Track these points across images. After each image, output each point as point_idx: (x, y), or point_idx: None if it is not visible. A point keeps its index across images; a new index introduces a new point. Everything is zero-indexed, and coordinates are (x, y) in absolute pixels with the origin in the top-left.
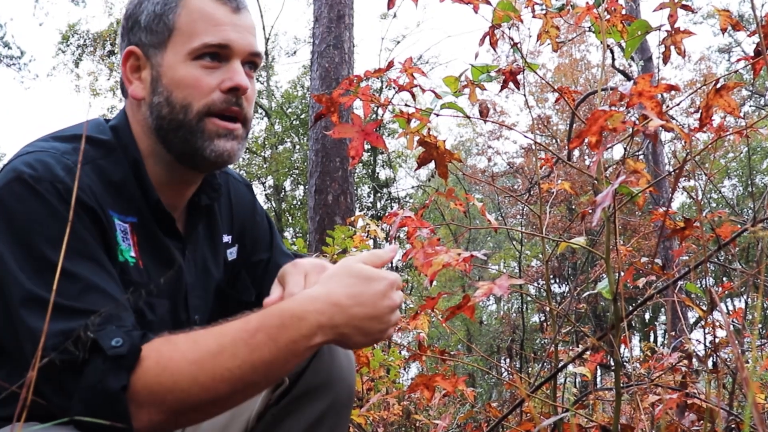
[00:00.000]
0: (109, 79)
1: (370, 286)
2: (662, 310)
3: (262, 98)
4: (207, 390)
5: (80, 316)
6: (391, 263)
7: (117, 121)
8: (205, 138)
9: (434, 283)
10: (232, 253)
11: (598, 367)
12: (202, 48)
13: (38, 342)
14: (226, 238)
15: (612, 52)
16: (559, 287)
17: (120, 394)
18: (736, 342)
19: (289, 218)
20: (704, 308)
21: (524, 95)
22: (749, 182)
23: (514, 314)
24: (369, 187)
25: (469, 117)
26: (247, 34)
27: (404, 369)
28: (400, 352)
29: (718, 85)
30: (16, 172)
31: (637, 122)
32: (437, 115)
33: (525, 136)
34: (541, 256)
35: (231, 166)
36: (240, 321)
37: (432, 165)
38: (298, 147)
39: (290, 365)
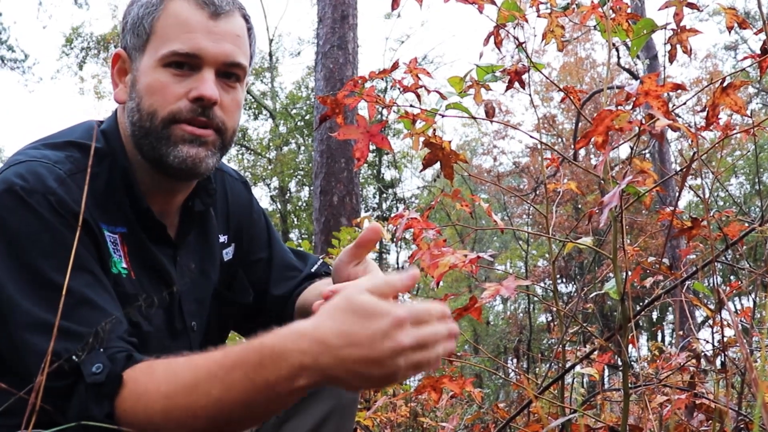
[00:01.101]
0: None
1: (369, 324)
2: (670, 309)
3: (267, 99)
4: (182, 425)
5: (69, 336)
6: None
7: (107, 126)
8: (170, 144)
9: (441, 284)
10: (228, 254)
11: (605, 367)
12: (170, 56)
13: (28, 359)
14: (222, 238)
15: (617, 50)
16: (566, 287)
17: (107, 420)
18: (745, 341)
19: (295, 220)
20: (712, 308)
21: (529, 94)
22: (756, 180)
23: (521, 314)
24: (374, 188)
25: (474, 117)
26: (224, 42)
27: None
28: None
29: (725, 83)
30: (7, 183)
31: (643, 121)
32: (442, 116)
33: (530, 136)
34: (547, 256)
35: (237, 168)
36: (220, 353)
37: (437, 165)
38: (303, 148)
39: (272, 408)
